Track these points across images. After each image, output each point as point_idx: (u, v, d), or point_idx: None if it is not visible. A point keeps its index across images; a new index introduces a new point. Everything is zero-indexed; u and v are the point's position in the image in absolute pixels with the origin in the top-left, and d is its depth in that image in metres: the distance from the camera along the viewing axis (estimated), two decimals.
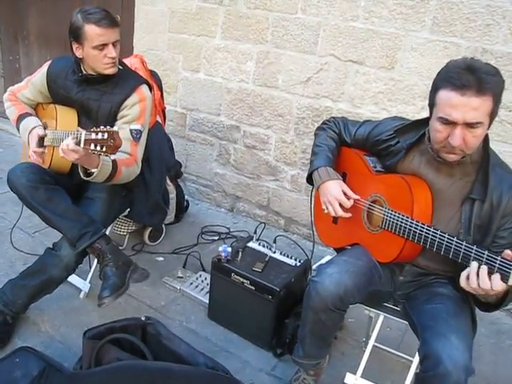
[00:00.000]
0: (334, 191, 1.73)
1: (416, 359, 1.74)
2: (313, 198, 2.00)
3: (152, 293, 2.50)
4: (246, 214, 3.51)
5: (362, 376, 1.85)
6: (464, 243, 1.39)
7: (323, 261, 2.94)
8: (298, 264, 2.27)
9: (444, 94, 1.40)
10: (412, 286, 1.75)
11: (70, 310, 2.29)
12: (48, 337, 2.10)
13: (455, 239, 1.40)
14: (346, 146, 1.88)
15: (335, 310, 1.58)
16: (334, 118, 1.93)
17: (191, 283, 2.56)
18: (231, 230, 3.27)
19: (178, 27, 3.37)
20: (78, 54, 2.02)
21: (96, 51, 1.96)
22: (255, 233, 2.69)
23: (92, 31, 1.93)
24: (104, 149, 1.61)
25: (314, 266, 2.84)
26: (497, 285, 1.28)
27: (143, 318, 1.79)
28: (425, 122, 1.60)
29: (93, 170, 1.84)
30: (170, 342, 1.78)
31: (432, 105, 1.48)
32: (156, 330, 1.77)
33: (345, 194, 1.73)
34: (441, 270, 1.67)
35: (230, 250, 2.24)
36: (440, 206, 1.59)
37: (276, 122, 3.15)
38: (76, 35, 1.97)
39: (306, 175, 1.89)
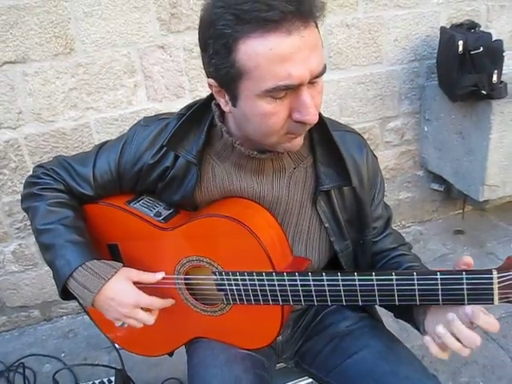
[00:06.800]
0: (126, 298, 0.92)
1: None
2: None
3: None
4: None
5: None
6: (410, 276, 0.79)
7: None
8: None
9: (256, 47, 0.71)
10: (297, 339, 1.16)
11: None
12: None
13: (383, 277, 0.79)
14: (91, 202, 1.05)
15: None
16: (41, 166, 1.05)
17: None
18: None
19: None
20: None
21: None
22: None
23: None
24: None
25: None
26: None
27: None
28: (201, 108, 0.95)
29: None
30: None
31: (230, 80, 0.77)
32: None
33: (139, 283, 0.95)
34: None
35: None
36: (283, 223, 0.98)
37: None
38: None
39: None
